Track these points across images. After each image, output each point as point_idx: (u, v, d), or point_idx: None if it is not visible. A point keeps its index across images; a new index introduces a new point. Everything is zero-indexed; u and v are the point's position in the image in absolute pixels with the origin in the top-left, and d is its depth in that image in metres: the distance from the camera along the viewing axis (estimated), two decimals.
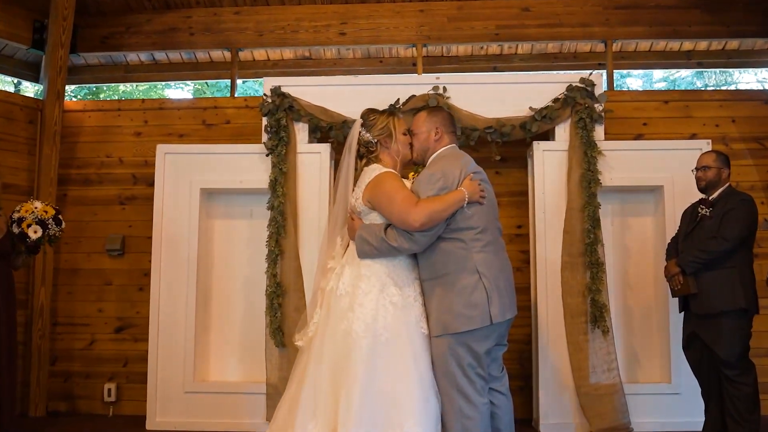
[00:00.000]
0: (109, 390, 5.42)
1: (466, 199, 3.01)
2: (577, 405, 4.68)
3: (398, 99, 4.96)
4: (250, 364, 5.10)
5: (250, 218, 5.25)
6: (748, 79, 11.74)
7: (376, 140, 3.22)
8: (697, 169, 4.19)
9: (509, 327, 3.16)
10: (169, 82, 11.37)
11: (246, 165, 5.07)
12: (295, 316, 4.65)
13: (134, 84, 11.62)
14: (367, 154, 3.25)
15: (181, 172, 5.12)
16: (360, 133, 3.25)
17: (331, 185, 5.01)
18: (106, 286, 5.58)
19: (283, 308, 4.79)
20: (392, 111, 3.36)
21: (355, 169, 3.28)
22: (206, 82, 11.58)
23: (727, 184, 4.13)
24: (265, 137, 5.03)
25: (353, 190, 3.23)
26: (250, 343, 5.10)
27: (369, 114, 3.28)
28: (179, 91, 11.99)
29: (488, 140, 4.96)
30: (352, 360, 2.93)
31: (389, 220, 3.06)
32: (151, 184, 5.23)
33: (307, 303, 4.46)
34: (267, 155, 4.99)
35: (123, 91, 11.84)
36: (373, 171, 3.16)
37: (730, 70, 11.80)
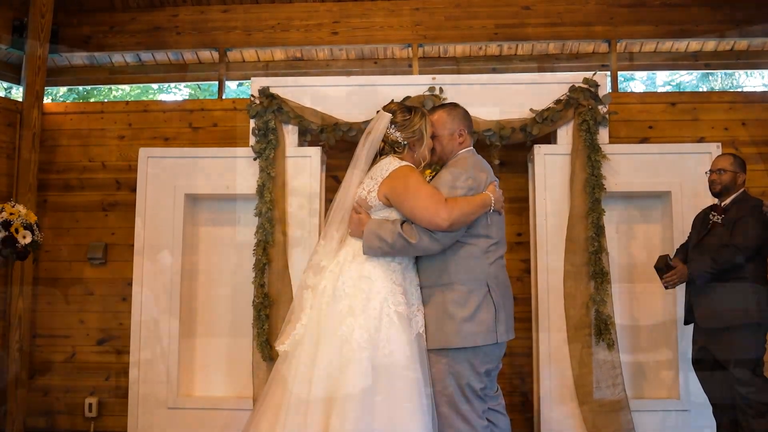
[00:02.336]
0: (91, 405, 5.22)
1: (492, 205, 2.87)
2: (581, 422, 4.49)
3: (392, 100, 4.75)
4: (237, 379, 4.90)
5: (236, 225, 5.05)
6: (755, 83, 11.56)
7: (405, 142, 2.98)
8: (711, 171, 3.99)
9: None
10: (161, 86, 11.19)
11: (233, 169, 4.88)
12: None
13: (125, 88, 11.47)
14: (391, 153, 2.99)
15: (165, 177, 4.92)
16: (388, 130, 2.98)
17: (322, 190, 4.83)
18: (87, 296, 5.37)
19: (271, 320, 4.60)
20: (423, 111, 3.07)
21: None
22: (198, 86, 11.40)
23: (741, 190, 3.94)
24: (252, 140, 4.84)
25: (363, 182, 2.98)
26: (236, 356, 4.90)
27: (402, 112, 3.01)
28: (172, 95, 11.79)
29: (487, 143, 4.77)
30: (349, 373, 2.66)
31: (411, 217, 2.82)
32: (135, 190, 5.04)
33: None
34: (255, 159, 4.80)
35: (114, 96, 11.64)
36: (389, 163, 2.93)
37: (736, 75, 11.62)
